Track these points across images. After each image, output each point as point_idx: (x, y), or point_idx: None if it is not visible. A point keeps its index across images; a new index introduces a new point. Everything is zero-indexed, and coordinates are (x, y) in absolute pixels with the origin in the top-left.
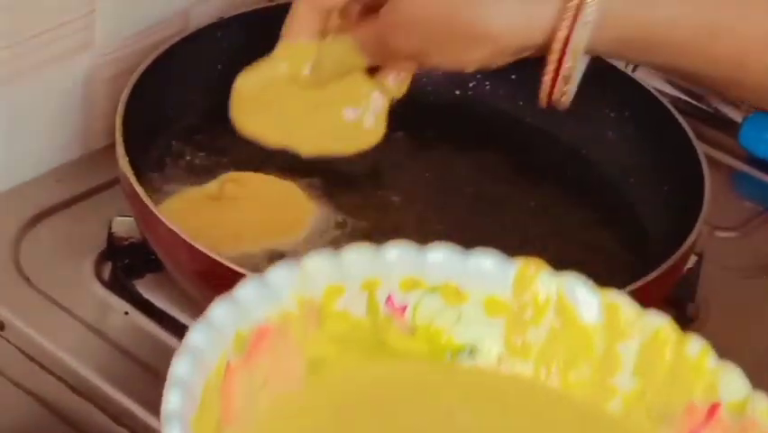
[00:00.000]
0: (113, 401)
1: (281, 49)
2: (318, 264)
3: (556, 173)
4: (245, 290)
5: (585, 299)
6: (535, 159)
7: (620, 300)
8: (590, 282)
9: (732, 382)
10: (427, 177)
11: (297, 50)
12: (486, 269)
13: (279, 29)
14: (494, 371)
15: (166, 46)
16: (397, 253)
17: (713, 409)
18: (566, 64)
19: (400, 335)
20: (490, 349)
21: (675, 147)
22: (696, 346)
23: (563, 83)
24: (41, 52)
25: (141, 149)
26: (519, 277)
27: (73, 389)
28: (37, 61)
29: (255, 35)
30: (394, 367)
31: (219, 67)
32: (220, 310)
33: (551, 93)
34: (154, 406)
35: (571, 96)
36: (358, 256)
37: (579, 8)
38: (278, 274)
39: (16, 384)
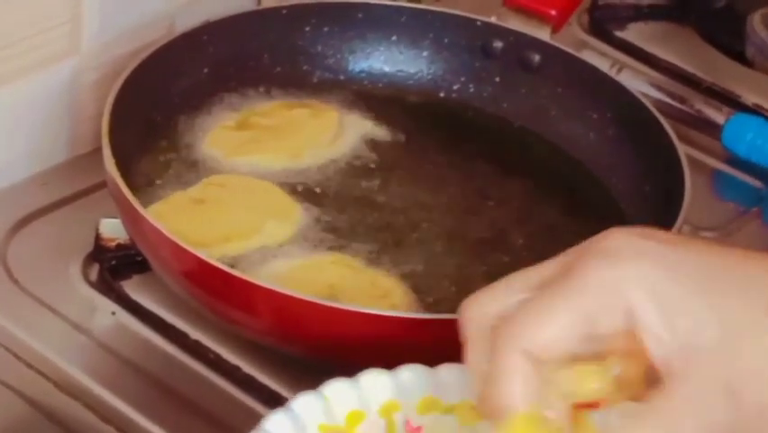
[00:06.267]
0: (100, 401)
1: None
2: (338, 391)
3: (539, 174)
4: (275, 423)
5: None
6: (519, 160)
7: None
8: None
9: None
10: (411, 177)
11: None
12: None
13: (266, 33)
14: None
15: (152, 50)
16: (414, 375)
17: None
18: None
19: None
20: None
21: (657, 148)
22: None
23: None
24: (26, 57)
25: (128, 152)
26: None
27: (60, 388)
28: (23, 66)
29: (241, 39)
30: None
31: (205, 71)
32: None
33: None
34: (141, 405)
35: None
36: (376, 380)
37: None
38: (302, 403)
39: (4, 384)
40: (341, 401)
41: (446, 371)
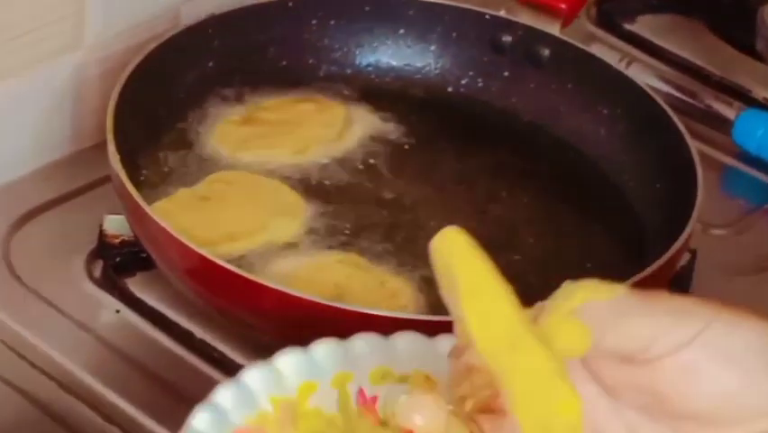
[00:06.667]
0: (104, 400)
1: None
2: (290, 362)
3: (548, 170)
4: (223, 395)
5: None
6: (528, 156)
7: None
8: None
9: None
10: (419, 173)
11: None
12: None
13: (272, 26)
14: None
15: (156, 43)
16: (366, 345)
17: None
18: None
19: (373, 427)
20: None
21: (668, 144)
22: None
23: None
24: (29, 50)
25: (132, 147)
26: None
27: (64, 387)
28: (26, 59)
29: (247, 33)
30: None
31: (210, 64)
32: (202, 418)
33: None
34: (145, 404)
35: None
36: (328, 351)
37: None
38: (252, 375)
39: (7, 382)
40: (293, 373)
41: (399, 340)
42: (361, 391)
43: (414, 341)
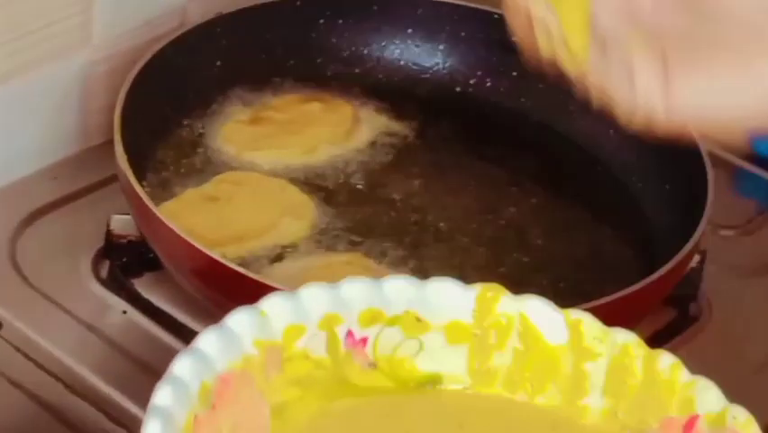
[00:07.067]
0: (110, 401)
1: None
2: (276, 305)
3: (557, 170)
4: (206, 340)
5: (548, 319)
6: (536, 156)
7: (585, 318)
8: (552, 303)
9: (708, 395)
10: (427, 173)
11: None
12: (445, 296)
13: (280, 25)
14: (460, 394)
15: (164, 42)
16: (355, 288)
17: (691, 421)
18: None
19: (362, 370)
20: (455, 377)
21: (679, 147)
22: (666, 361)
23: None
24: (37, 48)
25: (139, 147)
26: (480, 302)
27: (70, 388)
28: (34, 57)
29: (255, 32)
30: (358, 403)
31: (218, 64)
32: (183, 365)
33: None
34: None
35: None
36: (315, 294)
37: None
38: (237, 319)
39: (13, 383)
40: (278, 316)
41: (389, 283)
42: (350, 333)
43: (404, 283)
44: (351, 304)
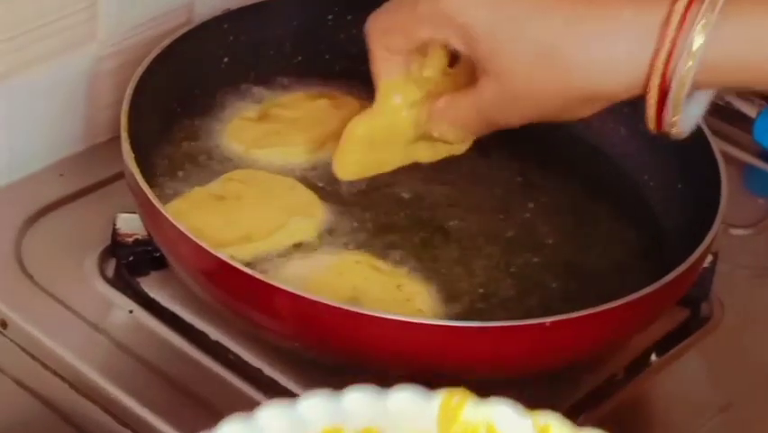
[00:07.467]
0: (115, 401)
1: (380, 90)
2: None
3: (569, 170)
4: None
5: (516, 426)
6: (548, 156)
7: (553, 422)
8: (520, 407)
9: None
10: (438, 173)
11: (394, 85)
12: (407, 407)
13: (287, 22)
14: None
15: (171, 38)
16: (314, 403)
17: None
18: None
19: None
20: None
21: (691, 146)
22: None
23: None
24: (44, 44)
25: (146, 144)
26: (444, 410)
27: (76, 388)
28: (40, 54)
29: (262, 28)
30: None
31: (225, 60)
32: None
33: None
34: (157, 406)
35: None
36: (273, 412)
37: (675, 41)
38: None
39: (18, 383)
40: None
41: (348, 397)
42: None
43: (364, 396)
44: (310, 421)
